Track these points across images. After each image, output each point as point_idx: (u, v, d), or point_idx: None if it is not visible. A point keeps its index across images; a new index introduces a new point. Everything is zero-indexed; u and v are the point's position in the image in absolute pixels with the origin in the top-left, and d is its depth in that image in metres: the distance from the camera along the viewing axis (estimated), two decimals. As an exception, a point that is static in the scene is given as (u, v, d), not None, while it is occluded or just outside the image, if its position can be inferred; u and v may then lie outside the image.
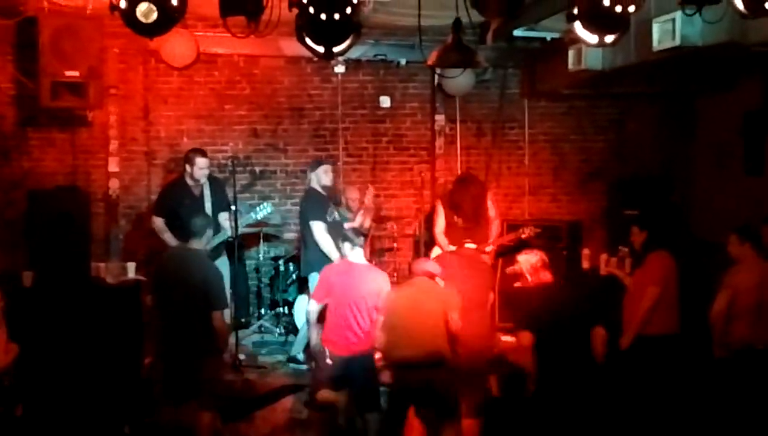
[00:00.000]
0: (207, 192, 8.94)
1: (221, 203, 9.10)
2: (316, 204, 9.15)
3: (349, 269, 7.47)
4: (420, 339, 6.70)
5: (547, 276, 7.49)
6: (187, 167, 9.06)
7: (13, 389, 7.11)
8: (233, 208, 8.81)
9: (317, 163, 9.46)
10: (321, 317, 7.50)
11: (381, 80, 11.15)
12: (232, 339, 8.86)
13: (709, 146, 10.93)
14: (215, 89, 10.79)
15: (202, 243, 7.23)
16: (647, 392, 7.54)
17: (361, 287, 7.30)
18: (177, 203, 8.94)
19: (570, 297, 7.53)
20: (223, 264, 8.98)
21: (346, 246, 7.54)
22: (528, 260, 7.64)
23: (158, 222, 9.00)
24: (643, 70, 8.86)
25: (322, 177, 9.17)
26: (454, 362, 6.77)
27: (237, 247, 9.19)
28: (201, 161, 9.01)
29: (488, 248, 9.17)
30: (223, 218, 9.02)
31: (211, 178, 9.16)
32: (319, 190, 9.19)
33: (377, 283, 7.38)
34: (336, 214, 9.25)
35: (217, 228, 8.76)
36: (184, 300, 6.93)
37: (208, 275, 7.02)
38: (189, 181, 9.07)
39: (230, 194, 9.09)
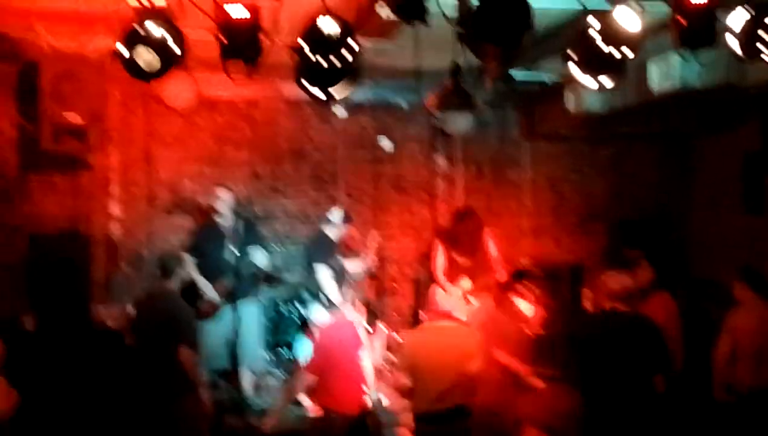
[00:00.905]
0: (236, 231, 8.94)
1: (251, 242, 9.08)
2: (323, 248, 9.30)
3: (348, 325, 7.47)
4: (448, 390, 6.57)
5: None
6: (213, 204, 9.15)
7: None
8: (233, 250, 8.78)
9: (348, 218, 9.55)
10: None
11: (381, 122, 11.21)
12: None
13: (709, 186, 10.95)
14: (216, 132, 10.85)
15: (173, 282, 7.34)
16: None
17: (361, 340, 7.32)
18: (205, 242, 8.99)
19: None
20: (253, 305, 9.13)
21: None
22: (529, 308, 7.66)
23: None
24: (642, 111, 8.91)
25: (344, 233, 9.34)
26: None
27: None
28: (223, 194, 9.08)
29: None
30: (255, 251, 9.00)
31: (240, 217, 9.18)
32: (329, 235, 9.28)
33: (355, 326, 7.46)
34: (342, 261, 9.25)
35: (248, 263, 8.85)
36: (154, 336, 7.07)
37: (173, 310, 7.16)
38: (218, 220, 9.10)
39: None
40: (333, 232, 9.31)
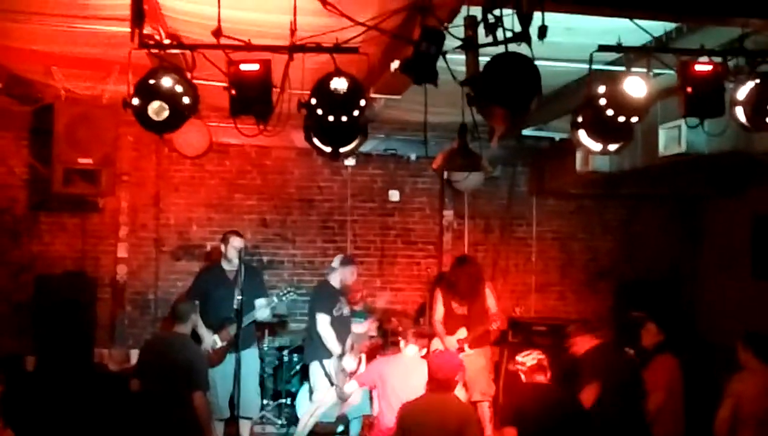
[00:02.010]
0: (241, 278, 8.96)
1: (256, 289, 9.11)
2: (325, 296, 9.27)
3: (407, 364, 7.53)
4: None
5: (541, 378, 7.43)
6: (222, 247, 9.17)
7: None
8: (239, 297, 8.78)
9: (346, 260, 9.52)
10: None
11: (390, 174, 11.27)
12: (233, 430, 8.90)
13: (717, 249, 10.93)
14: (226, 178, 10.92)
15: (187, 327, 7.35)
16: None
17: (421, 381, 7.12)
18: (210, 286, 9.00)
19: (562, 400, 7.43)
20: (252, 355, 9.08)
21: (401, 342, 7.73)
22: (524, 361, 7.59)
23: None
24: (650, 173, 8.91)
25: (347, 276, 9.31)
26: None
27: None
28: (235, 240, 9.10)
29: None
30: (260, 303, 9.04)
31: (246, 265, 9.20)
32: (334, 284, 9.30)
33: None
34: (344, 310, 9.27)
35: (251, 311, 8.87)
36: (166, 381, 7.03)
37: (190, 356, 7.17)
38: (224, 265, 9.12)
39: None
40: (335, 277, 9.29)
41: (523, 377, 7.54)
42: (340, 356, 9.00)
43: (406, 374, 7.46)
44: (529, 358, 7.52)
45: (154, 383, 7.14)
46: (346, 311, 9.30)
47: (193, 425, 6.97)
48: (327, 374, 8.97)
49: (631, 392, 7.52)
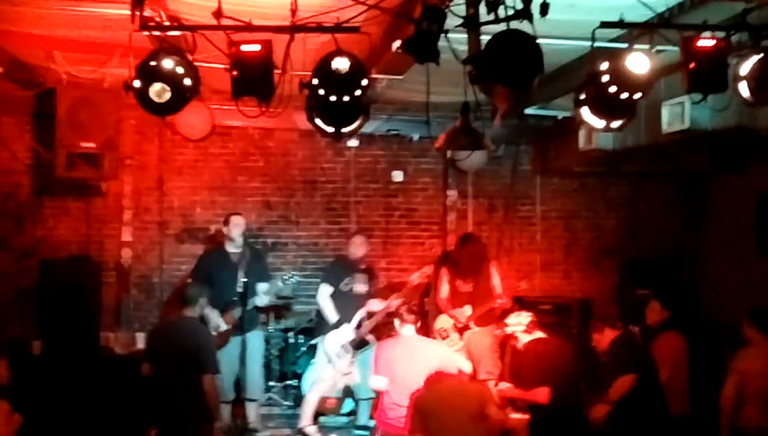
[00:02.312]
0: (244, 261, 8.96)
1: (259, 273, 9.12)
2: (332, 269, 9.41)
3: (408, 345, 7.50)
4: None
5: (540, 333, 7.48)
6: (224, 229, 9.20)
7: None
8: (244, 279, 8.79)
9: (353, 233, 9.68)
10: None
11: (394, 155, 11.26)
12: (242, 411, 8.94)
13: (721, 226, 10.92)
14: (229, 161, 10.91)
15: (195, 311, 7.34)
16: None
17: (425, 361, 7.25)
18: (213, 269, 9.00)
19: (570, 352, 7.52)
20: (257, 337, 9.13)
21: (395, 322, 7.68)
22: (519, 321, 7.63)
23: None
24: (654, 150, 8.90)
25: (353, 248, 9.33)
26: None
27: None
28: (236, 219, 9.15)
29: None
30: (262, 289, 9.04)
31: (250, 247, 9.21)
32: (348, 256, 9.35)
33: (436, 353, 7.47)
34: (356, 286, 9.26)
35: (255, 293, 8.89)
36: (176, 365, 7.03)
37: (199, 339, 7.16)
38: (228, 247, 9.13)
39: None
40: (349, 251, 9.36)
41: (523, 336, 7.59)
42: (336, 326, 9.02)
43: (410, 354, 7.46)
44: (522, 317, 7.57)
45: (164, 366, 7.13)
46: (358, 287, 9.26)
47: (202, 407, 6.99)
48: (326, 352, 9.00)
49: (654, 378, 7.55)
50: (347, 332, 8.99)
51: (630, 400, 7.17)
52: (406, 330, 7.69)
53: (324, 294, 9.16)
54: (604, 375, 7.45)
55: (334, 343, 8.99)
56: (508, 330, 8.07)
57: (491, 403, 6.75)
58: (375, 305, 9.23)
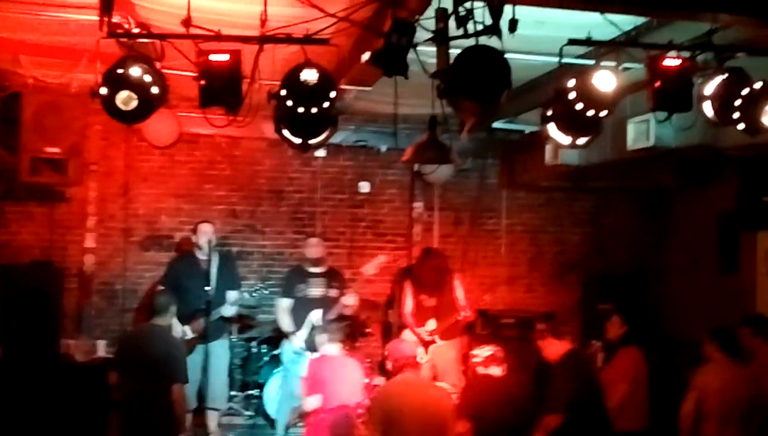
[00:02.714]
0: (214, 269, 8.91)
1: (229, 280, 9.08)
2: (289, 279, 9.35)
3: (335, 363, 7.44)
4: None
5: (496, 370, 7.48)
6: (193, 238, 9.14)
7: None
8: (207, 288, 8.74)
9: (308, 235, 9.62)
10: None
11: (361, 166, 11.27)
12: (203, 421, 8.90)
13: (684, 243, 11.02)
14: (196, 169, 10.86)
15: (166, 319, 7.26)
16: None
17: (353, 379, 7.28)
18: (182, 276, 8.94)
19: (517, 392, 7.47)
20: (222, 346, 9.08)
21: (323, 338, 7.52)
22: (479, 353, 7.65)
23: None
24: (619, 167, 8.98)
25: (308, 251, 9.28)
26: None
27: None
28: (203, 227, 9.07)
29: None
30: (231, 299, 9.00)
31: (221, 254, 9.17)
32: (303, 264, 9.31)
33: (358, 373, 7.44)
34: (309, 290, 9.21)
35: (222, 301, 8.85)
36: (145, 375, 6.94)
37: (170, 349, 7.08)
38: (198, 254, 9.06)
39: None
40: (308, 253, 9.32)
41: (478, 368, 7.60)
42: (291, 334, 9.01)
43: (338, 369, 7.42)
44: (484, 350, 7.59)
45: (133, 375, 7.04)
46: (314, 292, 9.19)
47: (169, 417, 6.92)
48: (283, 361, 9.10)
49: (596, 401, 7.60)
50: (299, 338, 8.97)
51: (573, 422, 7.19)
52: (331, 349, 7.59)
53: (282, 307, 9.16)
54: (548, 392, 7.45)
55: (288, 351, 9.01)
56: (472, 360, 8.09)
57: (450, 404, 6.72)
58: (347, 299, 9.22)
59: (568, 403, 7.15)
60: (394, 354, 6.82)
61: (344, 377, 7.28)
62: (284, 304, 9.18)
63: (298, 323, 9.01)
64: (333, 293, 9.24)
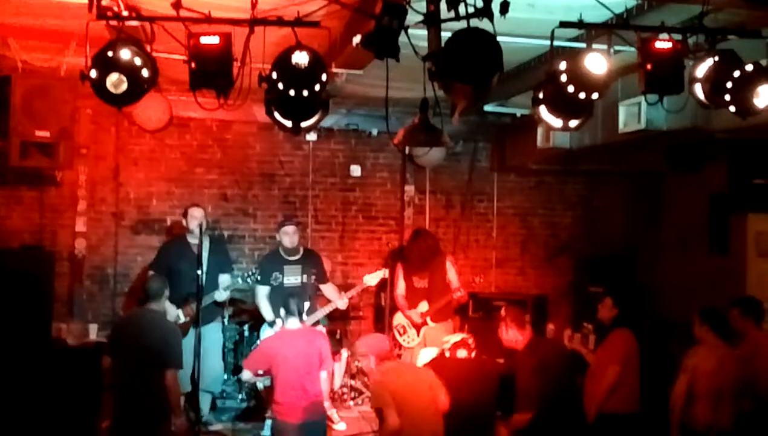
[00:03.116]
0: (206, 253, 8.90)
1: (221, 264, 9.14)
2: (264, 267, 9.37)
3: (290, 336, 7.43)
4: (432, 428, 6.63)
5: (463, 352, 7.53)
6: (184, 222, 9.18)
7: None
8: (199, 272, 8.74)
9: (281, 224, 9.58)
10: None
11: (352, 149, 11.26)
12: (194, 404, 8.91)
13: (675, 225, 11.04)
14: (186, 153, 10.84)
15: (160, 304, 7.25)
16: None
17: (307, 349, 7.24)
18: (174, 260, 8.98)
19: (482, 375, 7.49)
20: (215, 330, 9.18)
21: (282, 312, 7.55)
22: (449, 339, 7.71)
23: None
24: (610, 149, 8.98)
25: (282, 238, 9.28)
26: None
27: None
28: (193, 211, 9.12)
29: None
30: (223, 280, 9.06)
31: (212, 237, 9.16)
32: (280, 250, 9.32)
33: (319, 342, 7.41)
34: (284, 278, 9.24)
35: (214, 285, 8.89)
36: (139, 360, 6.93)
37: (165, 334, 7.07)
38: (189, 238, 9.10)
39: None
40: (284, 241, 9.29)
41: (447, 353, 7.64)
42: (272, 323, 9.04)
43: (294, 345, 7.37)
44: (454, 336, 7.66)
45: (127, 360, 7.01)
46: (289, 280, 9.24)
47: (162, 402, 6.92)
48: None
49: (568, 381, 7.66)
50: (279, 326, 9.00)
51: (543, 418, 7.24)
52: (292, 323, 7.60)
53: (260, 295, 9.24)
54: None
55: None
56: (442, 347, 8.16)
57: (441, 390, 6.81)
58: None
59: (537, 399, 7.19)
60: (374, 351, 6.93)
61: (297, 348, 7.23)
62: (262, 291, 9.24)
63: (278, 310, 9.04)
64: (310, 279, 9.30)
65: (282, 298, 8.57)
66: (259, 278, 9.29)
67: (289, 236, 9.26)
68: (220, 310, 9.50)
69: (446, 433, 6.80)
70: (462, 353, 7.41)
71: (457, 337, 7.55)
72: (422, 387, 6.71)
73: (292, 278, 9.25)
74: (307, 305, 8.98)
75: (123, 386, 7.02)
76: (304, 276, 9.28)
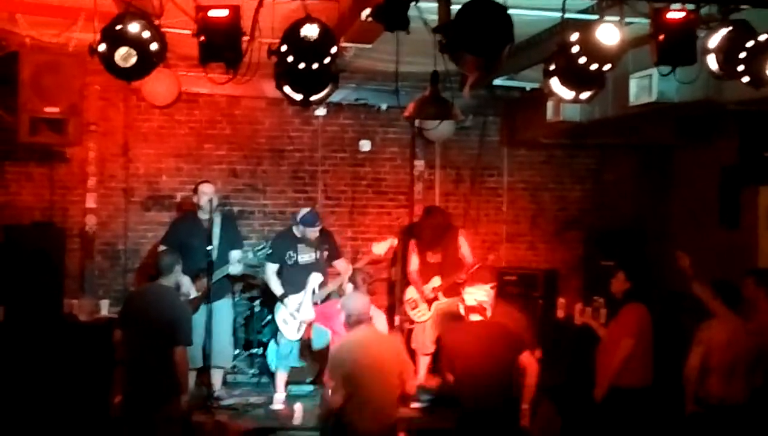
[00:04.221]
0: (216, 229, 8.90)
1: (231, 239, 9.18)
2: (275, 245, 9.39)
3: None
4: (384, 409, 6.70)
5: (477, 317, 7.49)
6: (194, 198, 9.20)
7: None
8: (209, 247, 8.75)
9: (304, 220, 9.30)
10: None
11: (361, 124, 11.20)
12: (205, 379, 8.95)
13: (686, 198, 10.99)
14: (195, 128, 10.80)
15: (171, 280, 7.26)
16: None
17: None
18: (184, 236, 8.99)
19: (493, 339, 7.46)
20: (226, 306, 9.21)
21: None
22: (465, 298, 7.63)
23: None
24: (621, 122, 8.93)
25: (304, 232, 9.23)
26: None
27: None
28: (205, 187, 9.16)
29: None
30: (235, 257, 9.10)
31: (222, 213, 9.17)
32: (294, 230, 9.32)
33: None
34: (299, 256, 9.27)
35: (224, 260, 8.93)
36: (149, 335, 6.97)
37: (174, 311, 7.10)
38: (200, 214, 9.12)
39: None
40: (296, 229, 9.30)
41: (462, 311, 7.63)
42: (282, 298, 9.14)
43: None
44: (479, 293, 7.57)
45: (137, 335, 7.06)
46: (303, 258, 9.28)
47: (172, 378, 6.95)
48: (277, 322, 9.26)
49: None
50: (293, 303, 9.04)
51: None
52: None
53: (269, 272, 9.27)
54: None
55: (281, 314, 9.15)
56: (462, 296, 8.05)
57: (409, 370, 7.04)
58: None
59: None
60: (349, 309, 6.95)
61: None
62: (272, 268, 9.27)
63: (294, 287, 9.11)
64: (323, 256, 9.37)
65: (299, 276, 8.69)
66: (270, 254, 9.30)
67: (314, 232, 9.25)
68: (230, 286, 9.52)
69: (466, 399, 6.93)
70: (475, 318, 7.39)
71: (472, 298, 7.47)
72: (384, 361, 6.74)
73: (306, 255, 9.30)
74: (320, 278, 9.11)
75: (133, 361, 7.05)
76: (318, 253, 9.33)
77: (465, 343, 7.08)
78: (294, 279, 9.16)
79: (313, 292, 9.13)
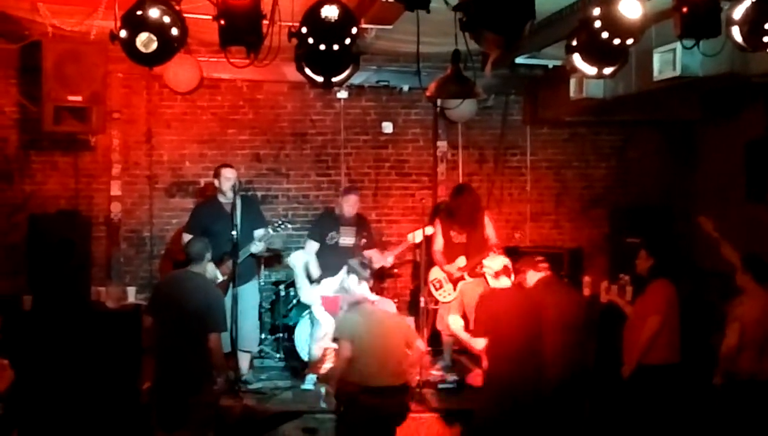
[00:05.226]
0: (239, 211, 8.94)
1: (254, 221, 9.20)
2: (319, 223, 9.60)
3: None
4: (394, 368, 7.05)
5: (506, 280, 7.48)
6: (216, 182, 9.23)
7: (8, 416, 7.06)
8: (234, 233, 8.76)
9: (346, 190, 9.79)
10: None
11: (383, 106, 11.18)
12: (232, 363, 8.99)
13: (711, 174, 10.91)
14: (218, 114, 10.82)
15: (202, 267, 7.28)
16: (648, 422, 7.54)
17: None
18: (208, 221, 9.02)
19: (527, 300, 7.50)
20: (252, 290, 9.31)
21: (352, 279, 7.52)
22: (491, 265, 7.62)
23: (187, 239, 8.71)
24: (645, 98, 8.85)
25: (343, 206, 9.47)
26: None
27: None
28: (227, 171, 9.16)
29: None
30: (259, 235, 9.14)
31: (243, 196, 9.20)
32: (336, 211, 9.51)
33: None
34: (340, 238, 9.37)
35: (247, 245, 8.96)
36: (183, 323, 6.99)
37: (209, 298, 7.13)
38: (221, 199, 9.16)
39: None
40: (338, 206, 9.49)
41: (489, 279, 7.63)
42: (317, 281, 9.23)
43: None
44: (496, 261, 7.59)
45: (170, 322, 7.09)
46: (345, 240, 9.38)
47: (205, 364, 7.01)
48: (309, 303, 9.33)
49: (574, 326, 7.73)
50: (330, 285, 9.05)
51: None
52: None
53: (309, 250, 9.36)
54: None
55: (314, 295, 9.21)
56: (482, 270, 8.07)
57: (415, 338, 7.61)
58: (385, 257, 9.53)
59: None
60: (347, 291, 7.55)
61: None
62: (313, 247, 9.29)
63: (330, 271, 9.15)
64: (361, 241, 9.44)
65: (336, 258, 8.73)
66: (312, 232, 9.48)
67: (351, 206, 9.42)
68: (256, 269, 9.54)
69: (498, 365, 7.16)
70: (505, 281, 7.43)
71: (497, 263, 7.49)
72: (386, 328, 7.19)
73: (348, 239, 9.42)
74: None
75: (165, 348, 7.08)
76: (358, 238, 9.45)
77: (503, 308, 7.26)
78: (331, 262, 9.15)
79: None
